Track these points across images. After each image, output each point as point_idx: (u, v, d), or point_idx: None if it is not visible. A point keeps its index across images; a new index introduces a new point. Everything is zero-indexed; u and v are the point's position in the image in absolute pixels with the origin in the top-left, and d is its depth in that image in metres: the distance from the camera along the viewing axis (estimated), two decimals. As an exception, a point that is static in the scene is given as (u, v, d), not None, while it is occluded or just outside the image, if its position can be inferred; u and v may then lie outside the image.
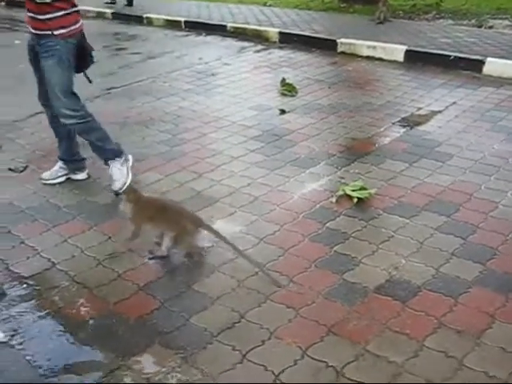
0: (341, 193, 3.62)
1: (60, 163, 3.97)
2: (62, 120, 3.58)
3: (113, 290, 2.78)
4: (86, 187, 3.88)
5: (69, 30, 3.43)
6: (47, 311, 2.65)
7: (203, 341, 2.40)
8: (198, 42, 8.55)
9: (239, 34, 8.80)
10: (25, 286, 2.85)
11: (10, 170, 4.17)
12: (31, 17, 3.42)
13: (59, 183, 3.93)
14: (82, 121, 3.60)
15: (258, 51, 7.76)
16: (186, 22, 9.77)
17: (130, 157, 3.92)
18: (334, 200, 3.58)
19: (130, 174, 3.83)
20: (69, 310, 2.64)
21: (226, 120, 4.99)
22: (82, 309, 2.66)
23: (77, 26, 3.50)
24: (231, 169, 4.04)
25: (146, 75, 6.36)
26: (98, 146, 3.79)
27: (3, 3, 13.29)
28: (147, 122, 4.97)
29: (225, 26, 9.12)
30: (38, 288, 2.82)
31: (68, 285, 2.83)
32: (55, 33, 3.36)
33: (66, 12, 3.40)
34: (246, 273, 2.85)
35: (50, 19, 3.35)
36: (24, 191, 3.84)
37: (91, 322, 2.57)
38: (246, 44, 8.22)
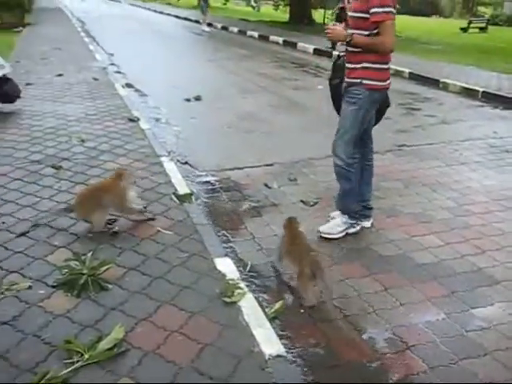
0: None
1: (344, 217, 4.06)
2: (334, 158, 3.94)
3: (383, 340, 2.87)
4: (368, 236, 4.06)
5: (377, 84, 3.66)
6: (316, 340, 2.85)
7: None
8: (494, 115, 8.32)
9: (541, 113, 8.35)
10: (302, 311, 3.10)
11: (302, 201, 4.58)
12: (347, 64, 3.75)
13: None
14: (346, 168, 3.88)
15: (561, 135, 7.24)
16: (483, 92, 9.60)
17: (359, 228, 4.10)
18: None
19: (341, 235, 4.00)
20: (336, 346, 2.81)
21: (516, 201, 4.78)
22: (349, 348, 2.79)
23: (385, 83, 3.71)
24: (518, 253, 3.86)
25: (437, 139, 6.41)
26: (341, 195, 4.04)
27: (310, 51, 14.63)
28: (434, 185, 5.00)
29: (526, 103, 8.74)
30: (313, 316, 3.05)
31: (340, 322, 3.00)
32: (364, 82, 3.64)
33: (380, 66, 3.63)
34: None
35: (361, 68, 3.63)
36: (312, 224, 4.14)
37: (351, 364, 2.70)
38: (547, 125, 7.75)
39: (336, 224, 4.04)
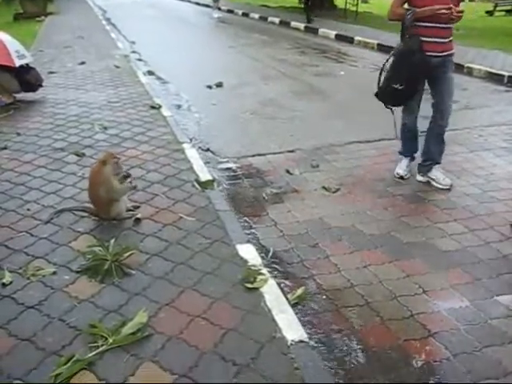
0: None
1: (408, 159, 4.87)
2: (442, 122, 4.56)
3: (404, 327, 2.86)
4: (390, 223, 4.03)
5: None
6: (339, 326, 2.85)
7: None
8: (520, 100, 8.17)
9: None
10: (324, 297, 3.11)
11: (323, 188, 4.56)
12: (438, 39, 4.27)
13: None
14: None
15: None
16: (509, 76, 9.41)
17: None
18: None
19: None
20: (358, 332, 2.81)
21: (542, 187, 4.70)
22: (371, 334, 2.80)
23: None
24: (544, 241, 3.80)
25: (462, 125, 6.31)
26: (442, 150, 4.71)
27: (332, 37, 14.48)
28: (458, 171, 4.94)
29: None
30: (335, 303, 3.05)
31: (362, 308, 3.00)
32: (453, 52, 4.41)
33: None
34: None
35: (451, 41, 4.34)
36: (334, 211, 4.17)
37: (373, 351, 2.69)
38: None
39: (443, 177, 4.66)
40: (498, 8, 27.64)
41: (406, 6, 4.35)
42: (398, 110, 4.68)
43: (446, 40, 4.32)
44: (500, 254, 3.58)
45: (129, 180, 3.81)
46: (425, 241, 3.75)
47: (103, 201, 3.70)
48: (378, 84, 4.45)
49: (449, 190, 4.55)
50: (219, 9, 21.51)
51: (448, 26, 4.25)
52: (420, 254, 3.58)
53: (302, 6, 23.78)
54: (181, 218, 3.80)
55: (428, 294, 3.15)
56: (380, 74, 4.43)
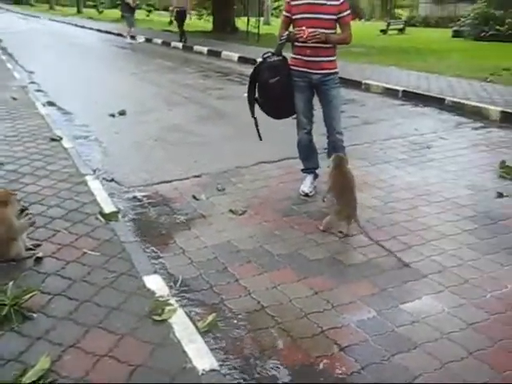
0: None
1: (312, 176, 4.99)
2: (338, 136, 4.74)
3: (315, 344, 2.89)
4: (296, 240, 4.09)
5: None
6: (251, 350, 2.84)
7: None
8: (415, 113, 8.62)
9: (457, 108, 8.69)
10: (235, 322, 3.08)
11: (230, 211, 4.57)
12: (314, 58, 4.53)
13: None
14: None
15: (477, 128, 7.59)
16: (403, 91, 9.92)
17: None
18: (553, 298, 3.34)
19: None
20: (270, 353, 2.80)
21: (439, 195, 4.93)
22: (283, 354, 2.80)
23: None
24: (442, 246, 3.97)
25: (362, 140, 6.56)
26: None
27: (235, 59, 14.70)
28: (360, 185, 5.09)
29: (443, 100, 9.09)
30: (246, 326, 3.04)
31: (274, 329, 3.00)
32: (337, 71, 4.69)
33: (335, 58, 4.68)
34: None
35: (333, 61, 4.64)
36: (241, 233, 4.18)
37: (285, 370, 2.69)
38: (463, 120, 8.10)
39: None
40: (390, 27, 29.28)
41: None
42: (261, 115, 4.87)
43: (324, 59, 4.54)
44: (401, 264, 3.71)
45: (27, 216, 3.65)
46: (331, 256, 3.83)
47: (1, 242, 3.51)
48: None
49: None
50: (132, 37, 21.26)
51: (319, 45, 4.43)
52: (327, 269, 3.65)
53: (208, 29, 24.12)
54: (84, 253, 3.66)
55: (337, 308, 3.20)
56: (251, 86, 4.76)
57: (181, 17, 19.51)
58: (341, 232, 4.10)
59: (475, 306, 3.25)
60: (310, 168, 4.92)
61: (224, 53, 16.19)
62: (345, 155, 4.53)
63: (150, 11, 36.16)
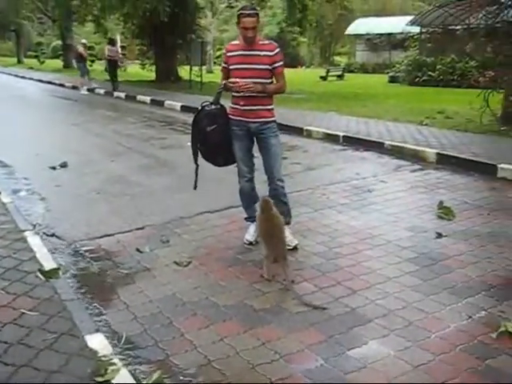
0: (503, 329, 3.45)
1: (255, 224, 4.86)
2: (279, 183, 4.75)
3: (264, 397, 2.85)
4: (242, 290, 4.06)
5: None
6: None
7: None
8: (356, 157, 8.83)
9: (396, 152, 8.97)
10: (181, 378, 3.01)
11: (175, 263, 4.51)
12: (252, 107, 4.61)
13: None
14: (284, 186, 4.83)
15: (415, 171, 7.83)
16: (344, 136, 10.17)
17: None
18: (494, 336, 3.41)
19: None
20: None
21: (381, 238, 5.03)
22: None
23: None
24: (386, 289, 4.02)
25: (305, 186, 6.66)
26: (289, 209, 4.92)
27: (178, 108, 14.79)
28: (305, 231, 5.16)
29: (382, 144, 9.36)
30: (192, 382, 2.97)
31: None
32: (274, 119, 4.77)
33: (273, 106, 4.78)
34: None
35: (270, 109, 4.73)
36: (187, 285, 4.12)
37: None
38: (402, 162, 8.35)
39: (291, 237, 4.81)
40: (330, 73, 30.26)
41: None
42: (205, 164, 4.96)
43: (260, 107, 4.64)
44: (348, 308, 3.73)
45: None
46: (277, 305, 3.81)
47: None
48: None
49: (296, 249, 4.71)
50: (89, 90, 21.09)
51: (254, 95, 4.53)
52: (274, 319, 3.62)
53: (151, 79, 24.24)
54: (23, 313, 3.52)
55: (285, 358, 3.17)
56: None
57: (112, 65, 20.62)
58: (284, 280, 4.09)
59: (420, 347, 3.29)
60: (253, 216, 4.94)
61: (167, 102, 16.27)
62: (286, 201, 4.74)
63: (92, 61, 36.18)
